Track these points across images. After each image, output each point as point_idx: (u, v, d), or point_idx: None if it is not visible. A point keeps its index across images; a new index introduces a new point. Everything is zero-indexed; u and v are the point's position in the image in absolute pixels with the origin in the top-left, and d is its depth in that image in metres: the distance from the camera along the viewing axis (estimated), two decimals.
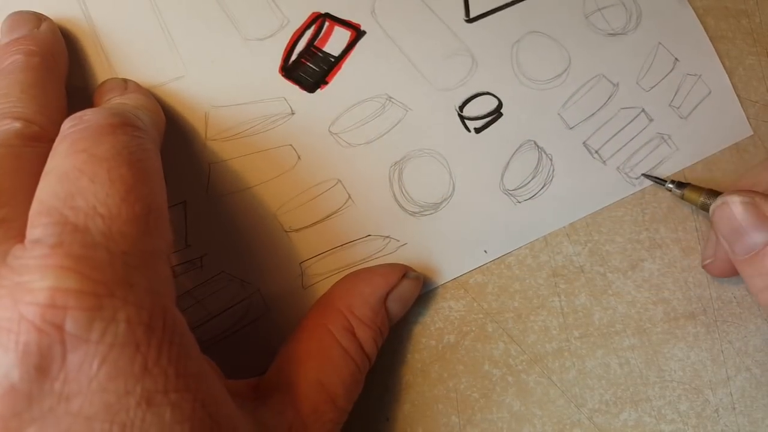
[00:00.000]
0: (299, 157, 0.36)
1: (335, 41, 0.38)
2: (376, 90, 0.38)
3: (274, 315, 0.35)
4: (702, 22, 0.41)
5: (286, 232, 0.36)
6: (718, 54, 0.41)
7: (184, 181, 0.35)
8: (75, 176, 0.23)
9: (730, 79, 0.40)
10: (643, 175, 0.39)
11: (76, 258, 0.21)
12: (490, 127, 0.38)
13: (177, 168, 0.35)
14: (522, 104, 0.38)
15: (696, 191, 0.36)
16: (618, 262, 0.38)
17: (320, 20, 0.38)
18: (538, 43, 0.39)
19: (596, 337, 0.36)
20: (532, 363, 0.35)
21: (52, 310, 0.20)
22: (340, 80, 0.37)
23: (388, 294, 0.32)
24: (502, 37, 0.39)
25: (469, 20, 0.39)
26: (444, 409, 0.34)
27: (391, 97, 0.37)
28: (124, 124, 0.25)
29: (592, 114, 0.39)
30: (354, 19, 0.38)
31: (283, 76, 0.37)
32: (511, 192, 0.37)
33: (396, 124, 0.37)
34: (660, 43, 0.40)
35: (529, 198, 0.38)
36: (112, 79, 0.34)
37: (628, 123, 0.39)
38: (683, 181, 0.37)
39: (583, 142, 0.38)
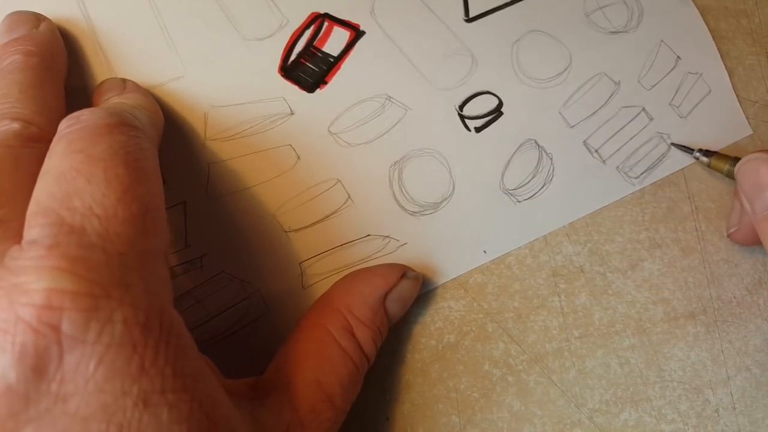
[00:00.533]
0: (299, 157, 0.36)
1: (334, 41, 0.38)
2: (375, 90, 0.37)
3: (274, 315, 0.35)
4: None
5: (286, 232, 0.36)
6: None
7: (184, 181, 0.35)
8: (72, 177, 0.23)
9: (730, 79, 0.40)
10: (673, 144, 0.39)
11: (72, 259, 0.21)
12: (491, 126, 0.38)
13: (176, 168, 0.35)
14: (522, 103, 0.38)
15: (723, 159, 0.36)
16: (618, 262, 0.38)
17: (319, 20, 0.38)
18: (538, 41, 0.39)
19: (596, 337, 0.36)
20: (532, 363, 0.35)
21: (48, 311, 0.20)
22: (339, 80, 0.37)
23: (387, 294, 0.32)
24: (502, 36, 0.39)
25: (469, 20, 0.39)
26: (444, 409, 0.34)
27: (390, 97, 0.37)
28: (121, 123, 0.25)
29: (594, 113, 0.39)
30: (353, 19, 0.38)
31: (282, 76, 0.37)
32: (511, 191, 0.37)
33: (396, 124, 0.37)
34: (662, 40, 0.40)
35: (529, 197, 0.38)
36: (110, 78, 0.34)
37: (629, 122, 0.39)
38: (711, 149, 0.37)
39: (584, 141, 0.38)
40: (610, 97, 0.39)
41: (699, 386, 0.35)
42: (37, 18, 0.32)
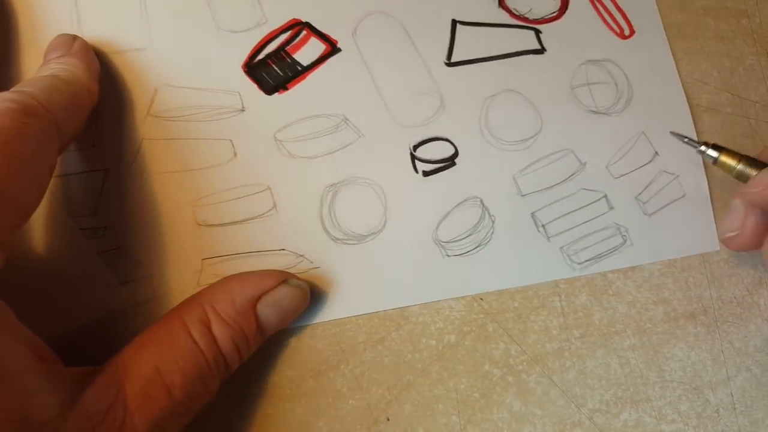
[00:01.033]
0: (235, 155, 0.36)
1: (308, 51, 0.37)
2: (333, 108, 0.37)
3: (161, 303, 0.34)
4: (702, 22, 0.40)
5: (198, 224, 0.35)
6: (718, 54, 0.40)
7: (113, 149, 0.35)
8: None
9: (730, 79, 0.39)
10: (672, 132, 0.37)
11: None
12: (440, 174, 0.37)
13: (110, 134, 0.35)
14: (478, 159, 0.37)
15: (733, 157, 0.34)
16: None
17: (298, 27, 0.37)
18: (513, 102, 0.38)
19: (596, 337, 0.35)
20: (533, 363, 0.35)
21: None
22: (300, 89, 0.37)
23: (260, 297, 0.31)
24: (478, 88, 0.38)
25: (450, 63, 0.38)
26: (444, 409, 0.34)
27: (347, 119, 0.37)
28: (14, 111, 0.26)
29: (549, 187, 0.37)
30: (333, 35, 0.38)
31: (244, 71, 0.37)
32: (442, 243, 0.36)
33: (344, 146, 0.36)
34: (643, 132, 0.38)
35: (460, 254, 0.36)
36: (62, 35, 0.34)
37: (586, 205, 0.37)
38: (719, 144, 0.35)
39: (532, 213, 0.37)
40: (572, 175, 0.37)
41: (699, 386, 0.35)
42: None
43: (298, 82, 0.37)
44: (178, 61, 0.36)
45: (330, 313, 0.35)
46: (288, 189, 0.35)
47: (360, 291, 0.35)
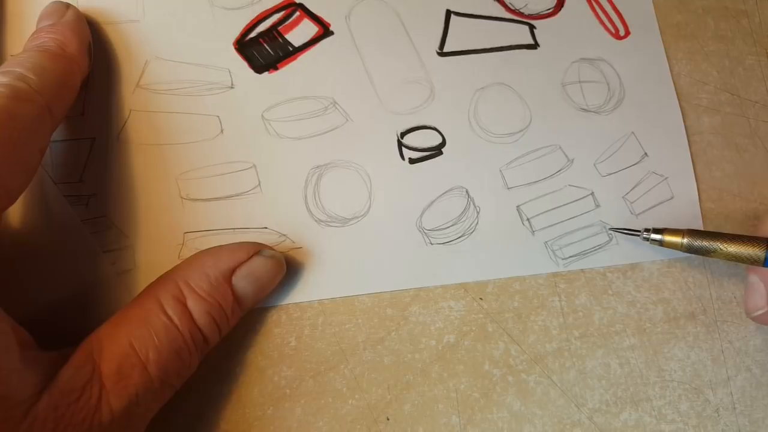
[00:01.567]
0: (222, 131, 0.36)
1: (300, 32, 0.37)
2: (323, 91, 0.37)
3: (141, 275, 0.34)
4: (702, 22, 0.40)
5: (182, 198, 0.35)
6: (717, 54, 0.40)
7: (100, 119, 0.35)
8: None
9: (730, 79, 0.39)
10: (612, 229, 0.37)
11: None
12: (426, 162, 0.37)
13: (98, 104, 0.35)
14: (466, 150, 0.37)
15: (676, 234, 0.34)
16: None
17: (292, 8, 0.37)
18: (503, 95, 0.38)
19: (596, 337, 0.35)
20: (533, 363, 0.35)
21: None
22: (290, 70, 0.37)
23: (235, 270, 0.30)
24: (468, 80, 0.38)
25: (442, 53, 0.38)
26: (444, 409, 0.34)
27: (335, 102, 0.36)
28: (3, 95, 0.27)
29: (536, 181, 0.37)
30: (326, 18, 0.38)
31: (235, 49, 0.37)
32: (426, 231, 0.36)
33: (331, 130, 0.36)
34: (633, 132, 0.38)
35: (443, 243, 0.36)
36: (55, 2, 0.34)
37: (572, 201, 0.37)
38: (658, 227, 0.35)
39: (517, 206, 0.37)
40: (559, 171, 0.37)
41: (699, 386, 0.35)
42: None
43: (289, 62, 0.37)
44: (170, 35, 0.36)
45: (309, 293, 0.34)
46: (273, 168, 0.35)
47: (341, 273, 0.35)
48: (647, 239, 0.35)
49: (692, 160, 0.38)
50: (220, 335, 0.30)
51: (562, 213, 0.37)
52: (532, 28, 0.39)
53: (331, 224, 0.35)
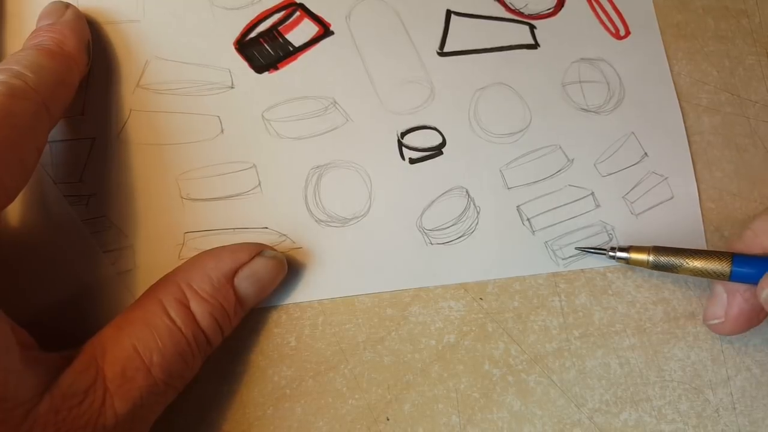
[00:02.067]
0: (222, 131, 0.36)
1: (300, 32, 0.37)
2: (323, 91, 0.37)
3: (142, 275, 0.34)
4: (702, 22, 0.40)
5: (182, 198, 0.35)
6: (717, 53, 0.40)
7: (101, 118, 0.35)
8: None
9: (730, 79, 0.39)
10: (578, 248, 0.36)
11: None
12: (426, 162, 0.37)
13: (99, 104, 0.35)
14: (465, 150, 0.37)
15: (642, 251, 0.34)
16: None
17: (292, 8, 0.37)
18: (503, 95, 0.38)
19: (596, 337, 0.35)
20: (533, 363, 0.35)
21: None
22: (291, 70, 0.37)
23: (237, 271, 0.30)
24: (469, 80, 0.38)
25: (442, 53, 0.38)
26: (444, 409, 0.34)
27: (336, 102, 0.36)
28: (1, 93, 0.26)
29: (536, 181, 0.37)
30: (327, 18, 0.38)
31: (236, 49, 0.37)
32: (426, 231, 0.36)
33: (332, 130, 0.36)
34: (633, 132, 0.38)
35: (443, 243, 0.36)
36: (55, 1, 0.34)
37: (572, 201, 0.37)
38: (623, 245, 0.35)
39: (517, 206, 0.37)
40: (559, 171, 0.37)
41: (699, 386, 0.35)
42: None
43: (289, 62, 0.37)
44: (171, 35, 0.36)
45: (310, 293, 0.34)
46: (273, 168, 0.35)
47: (341, 273, 0.35)
48: (613, 257, 0.35)
49: (692, 159, 0.38)
50: (222, 336, 0.30)
51: (562, 213, 0.37)
52: (532, 28, 0.39)
53: (331, 224, 0.35)
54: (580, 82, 0.38)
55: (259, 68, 0.36)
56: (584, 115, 0.38)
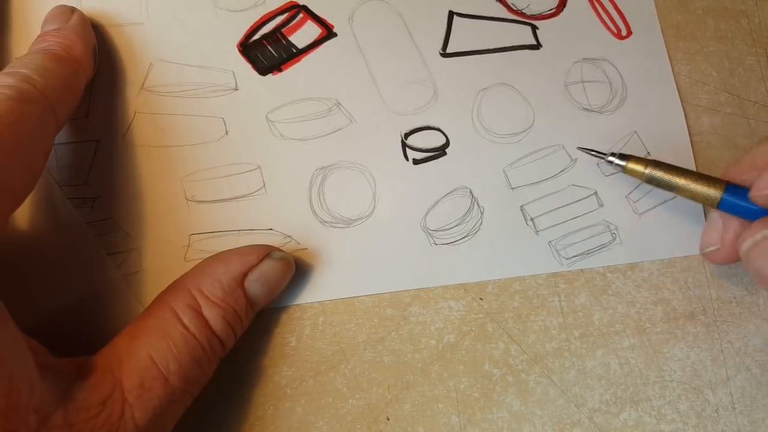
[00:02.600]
0: (227, 132, 0.36)
1: (303, 34, 0.37)
2: (327, 92, 0.37)
3: (148, 277, 0.34)
4: (702, 23, 0.40)
5: (187, 200, 0.35)
6: (717, 54, 0.40)
7: (105, 121, 0.35)
8: None
9: (730, 80, 0.39)
10: (580, 148, 0.37)
11: None
12: (430, 163, 0.37)
13: (103, 106, 0.35)
14: (469, 150, 0.37)
15: (639, 162, 0.35)
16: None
17: (295, 10, 0.38)
18: (506, 96, 0.38)
19: (596, 337, 0.35)
20: (532, 363, 0.35)
21: None
22: (294, 72, 0.37)
23: (246, 274, 0.30)
24: (472, 80, 0.38)
25: (445, 54, 0.38)
26: (444, 409, 0.34)
27: (339, 104, 0.37)
28: (8, 97, 0.26)
29: (539, 181, 0.37)
30: (330, 19, 0.38)
31: (239, 51, 0.37)
32: (430, 231, 0.36)
33: (336, 131, 0.36)
34: (635, 132, 0.38)
35: (447, 243, 0.36)
36: (60, 6, 0.34)
37: (575, 201, 0.37)
38: (625, 153, 0.36)
39: (521, 206, 0.37)
40: (562, 171, 0.37)
41: (699, 386, 0.35)
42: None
43: (293, 64, 0.37)
44: (174, 37, 0.36)
45: (314, 294, 0.35)
46: (278, 169, 0.35)
47: (346, 274, 0.35)
48: (611, 162, 0.35)
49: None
50: (235, 339, 0.30)
51: (565, 213, 0.37)
52: (534, 28, 0.39)
53: (335, 225, 0.35)
54: (582, 82, 0.38)
55: (263, 70, 0.36)
56: (587, 114, 0.38)
